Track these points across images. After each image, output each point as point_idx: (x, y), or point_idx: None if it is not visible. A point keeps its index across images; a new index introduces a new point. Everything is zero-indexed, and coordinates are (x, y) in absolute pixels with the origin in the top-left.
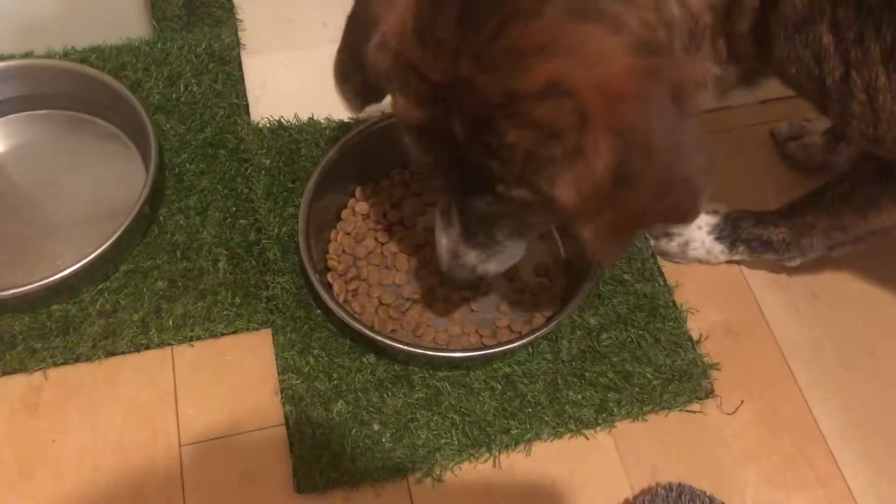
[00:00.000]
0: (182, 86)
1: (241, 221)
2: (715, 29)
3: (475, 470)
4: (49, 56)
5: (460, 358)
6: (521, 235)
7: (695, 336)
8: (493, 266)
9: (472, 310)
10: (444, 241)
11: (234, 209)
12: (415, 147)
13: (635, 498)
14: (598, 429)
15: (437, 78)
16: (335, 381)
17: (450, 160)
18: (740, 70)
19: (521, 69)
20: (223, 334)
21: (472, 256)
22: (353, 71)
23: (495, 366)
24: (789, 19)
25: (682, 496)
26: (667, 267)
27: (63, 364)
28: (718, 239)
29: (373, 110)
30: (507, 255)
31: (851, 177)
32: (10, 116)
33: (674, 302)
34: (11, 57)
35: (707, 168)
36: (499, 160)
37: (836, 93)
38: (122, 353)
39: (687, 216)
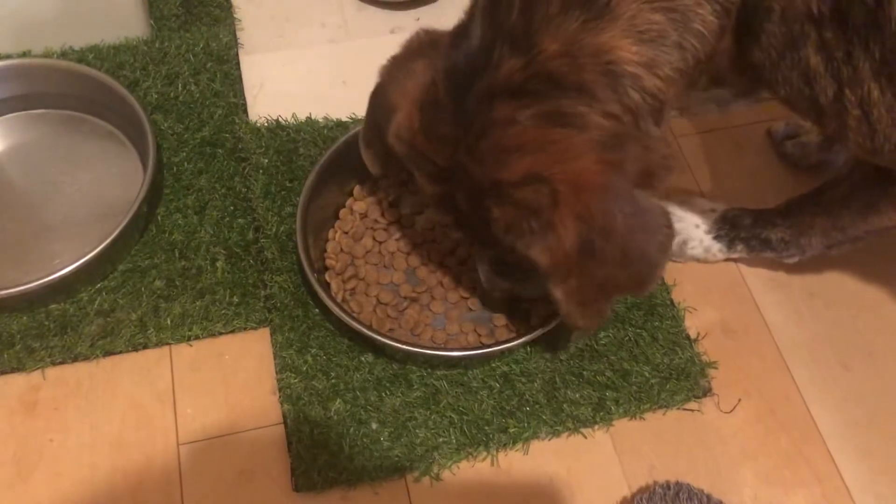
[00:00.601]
0: (180, 85)
1: (240, 220)
2: (686, 83)
3: (473, 469)
4: (47, 55)
5: (458, 357)
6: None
7: (692, 334)
8: (530, 289)
9: (470, 309)
10: (481, 273)
11: (232, 208)
12: (436, 212)
13: (633, 496)
14: (596, 427)
15: (443, 163)
16: (333, 380)
17: (462, 222)
18: (733, 90)
19: (503, 164)
20: (221, 333)
21: (505, 284)
22: (375, 140)
23: (493, 365)
24: (773, 48)
25: (680, 494)
26: None
27: (61, 363)
28: (717, 238)
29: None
30: (528, 286)
31: (850, 179)
32: (8, 116)
33: (671, 300)
34: (9, 56)
35: (665, 245)
36: (487, 226)
37: (831, 109)
38: (121, 352)
39: (645, 286)
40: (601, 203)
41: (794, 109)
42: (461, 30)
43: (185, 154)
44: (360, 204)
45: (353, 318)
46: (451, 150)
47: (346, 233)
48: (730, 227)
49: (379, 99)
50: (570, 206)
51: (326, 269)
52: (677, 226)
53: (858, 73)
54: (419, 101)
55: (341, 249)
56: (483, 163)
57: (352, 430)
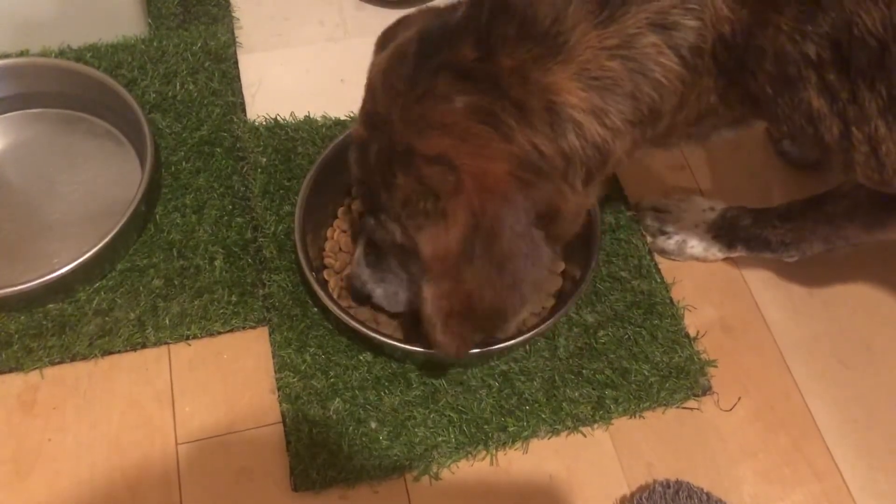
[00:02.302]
0: (178, 84)
1: (238, 219)
2: (639, 135)
3: (472, 467)
4: (45, 54)
5: None
6: (404, 283)
7: (692, 333)
8: (380, 292)
9: None
10: (356, 253)
11: (230, 207)
12: (352, 155)
13: (632, 495)
14: (596, 426)
15: (380, 109)
16: (332, 379)
17: (363, 178)
18: (724, 120)
19: (423, 135)
20: (220, 332)
21: (366, 274)
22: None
23: (492, 363)
24: (768, 85)
25: (680, 493)
26: (664, 264)
27: (59, 363)
28: (716, 237)
29: None
30: (392, 292)
31: (854, 196)
32: (6, 115)
33: (671, 299)
34: (7, 55)
35: (538, 285)
36: (387, 193)
37: (837, 146)
38: (119, 351)
39: (506, 317)
40: (497, 209)
41: (793, 140)
42: (456, 5)
43: (183, 153)
44: (359, 202)
45: (352, 317)
46: (391, 101)
47: (345, 231)
48: (729, 227)
49: (387, 34)
50: (468, 200)
51: (325, 267)
52: (676, 224)
53: (865, 111)
54: (397, 48)
55: (340, 248)
56: (407, 125)
57: (351, 429)
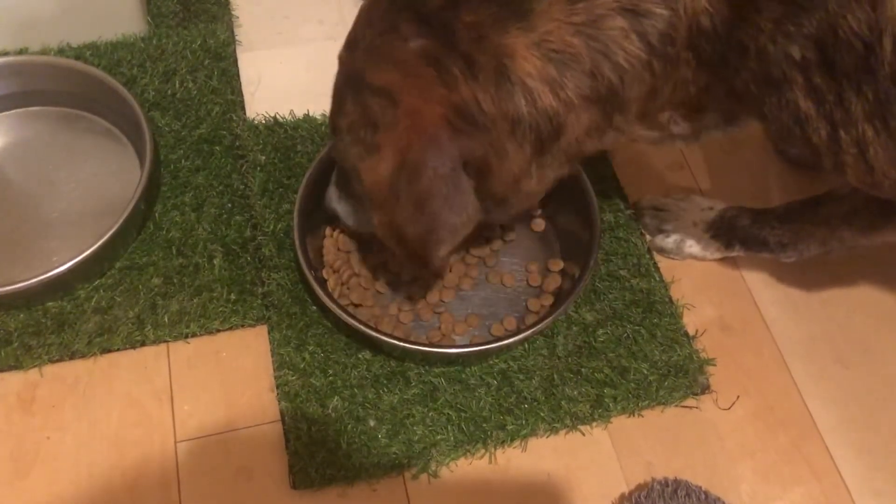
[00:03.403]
0: (177, 82)
1: (237, 218)
2: (598, 116)
3: (471, 466)
4: (44, 52)
5: (456, 354)
6: (362, 204)
7: (691, 332)
8: (342, 210)
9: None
10: (331, 184)
11: (229, 205)
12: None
13: (631, 493)
14: (594, 424)
15: (357, 37)
16: (331, 378)
17: (333, 98)
18: (717, 118)
19: (376, 66)
20: (219, 331)
21: (332, 190)
22: None
23: (491, 362)
24: (752, 83)
25: (678, 491)
26: (662, 263)
27: (58, 361)
28: (715, 236)
29: None
30: (352, 212)
31: (851, 199)
32: (5, 113)
33: (670, 298)
34: (6, 53)
35: (456, 230)
36: (342, 117)
37: (826, 148)
38: (118, 349)
39: (425, 258)
40: (422, 148)
41: (787, 145)
42: None
43: (182, 151)
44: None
45: (351, 315)
46: (363, 30)
47: (344, 230)
48: (728, 227)
49: None
50: (400, 136)
51: (324, 265)
52: (675, 223)
53: (851, 115)
54: None
55: (339, 247)
56: (367, 54)
57: (349, 427)
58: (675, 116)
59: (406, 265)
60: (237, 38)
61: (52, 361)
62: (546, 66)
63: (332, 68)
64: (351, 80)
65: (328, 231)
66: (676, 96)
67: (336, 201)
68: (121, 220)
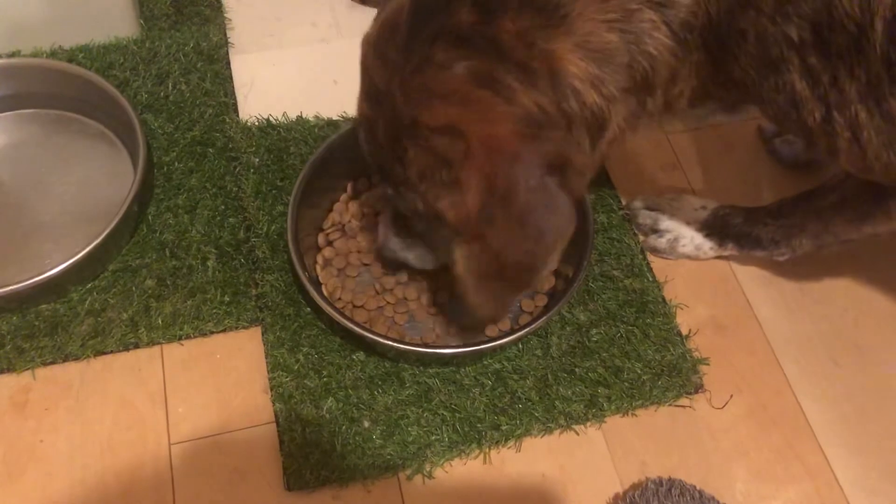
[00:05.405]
0: (170, 84)
1: (231, 220)
2: (635, 102)
3: (465, 466)
4: (36, 55)
5: (450, 354)
6: (431, 245)
7: (684, 331)
8: (412, 256)
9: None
10: (381, 225)
11: (223, 207)
12: (360, 135)
13: (625, 493)
14: (588, 424)
15: (380, 85)
16: (325, 379)
17: (374, 155)
18: (721, 104)
19: (427, 106)
20: (213, 332)
21: (394, 242)
22: None
23: (485, 362)
24: (751, 67)
25: (672, 490)
26: (656, 263)
27: (52, 363)
28: (707, 235)
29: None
30: (422, 254)
31: (842, 189)
32: None
33: (663, 297)
34: None
35: (564, 230)
36: (401, 167)
37: (820, 131)
38: (111, 352)
39: (535, 270)
40: (507, 168)
41: (783, 129)
42: None
43: (175, 153)
44: (352, 202)
45: (345, 316)
46: (390, 74)
47: (338, 231)
48: (720, 225)
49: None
50: (479, 165)
51: (318, 267)
52: (668, 223)
53: (845, 96)
54: (387, 19)
55: (333, 248)
56: (409, 98)
57: (344, 428)
58: (684, 101)
59: (477, 298)
60: (230, 40)
61: (45, 364)
62: (589, 66)
63: (324, 70)
64: (404, 129)
65: (322, 232)
66: (691, 81)
67: (402, 251)
68: (114, 223)
